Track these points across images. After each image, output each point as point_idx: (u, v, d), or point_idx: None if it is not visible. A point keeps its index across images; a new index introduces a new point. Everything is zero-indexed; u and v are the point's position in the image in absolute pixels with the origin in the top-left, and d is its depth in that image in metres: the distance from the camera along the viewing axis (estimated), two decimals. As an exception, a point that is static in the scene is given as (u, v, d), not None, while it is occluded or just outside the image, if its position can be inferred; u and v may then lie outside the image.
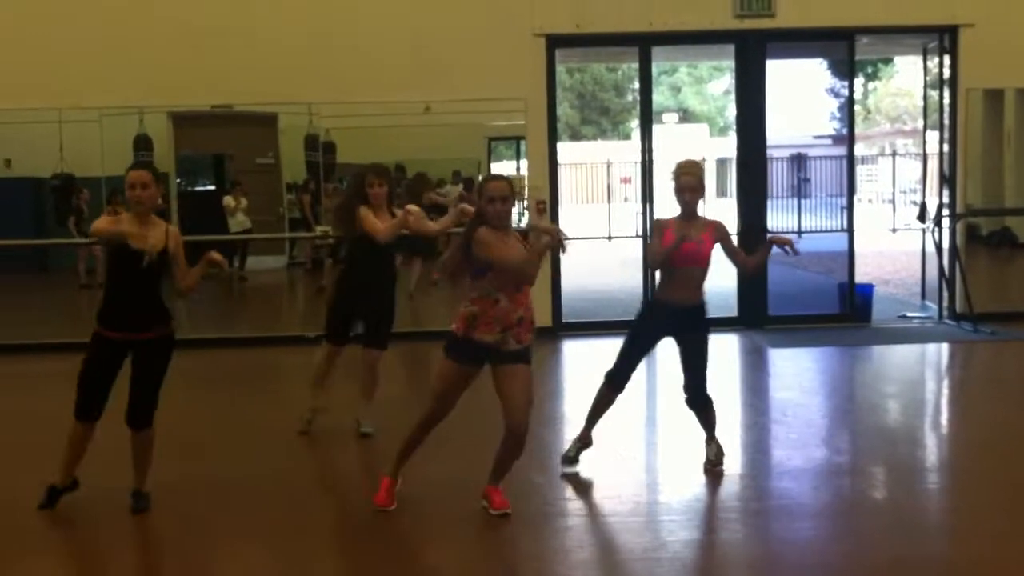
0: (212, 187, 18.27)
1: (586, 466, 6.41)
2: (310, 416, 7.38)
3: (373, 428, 7.21)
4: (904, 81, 40.68)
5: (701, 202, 6.29)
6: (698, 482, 6.21)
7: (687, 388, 6.30)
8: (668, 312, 6.21)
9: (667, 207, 11.87)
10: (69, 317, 13.54)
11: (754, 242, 11.65)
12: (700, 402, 6.31)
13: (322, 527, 5.66)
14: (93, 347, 5.60)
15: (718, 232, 6.23)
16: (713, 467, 6.30)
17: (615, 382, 6.37)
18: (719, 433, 6.42)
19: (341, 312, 7.25)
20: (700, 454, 6.48)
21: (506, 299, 5.29)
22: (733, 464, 6.44)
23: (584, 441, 6.43)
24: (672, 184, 6.25)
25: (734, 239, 6.59)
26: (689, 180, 6.17)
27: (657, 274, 6.38)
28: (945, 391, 9.68)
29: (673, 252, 6.05)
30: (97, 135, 11.87)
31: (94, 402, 5.58)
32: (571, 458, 6.40)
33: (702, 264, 6.20)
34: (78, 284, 14.26)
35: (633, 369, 6.35)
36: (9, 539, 5.48)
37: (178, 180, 16.52)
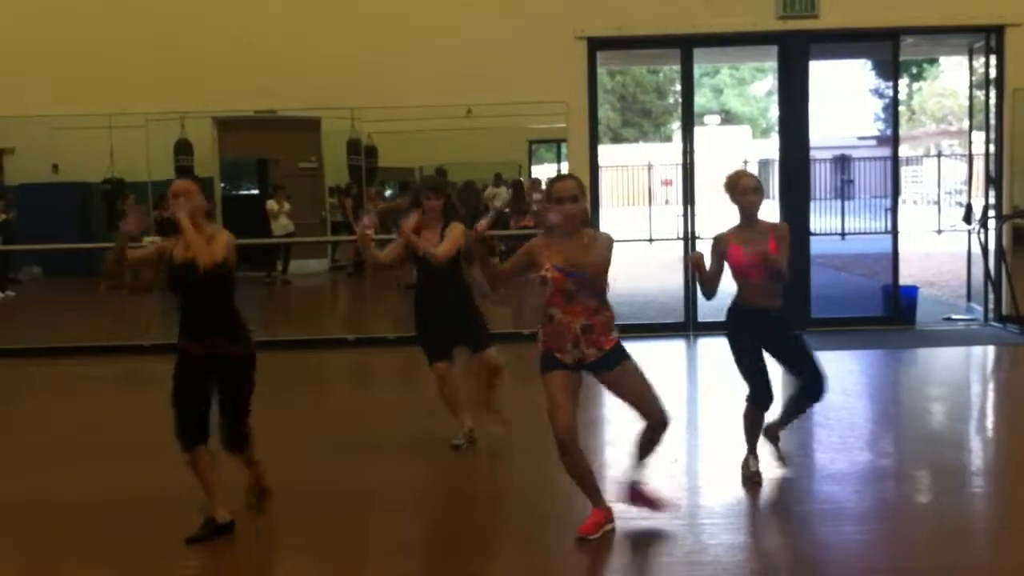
0: (256, 191, 18.45)
1: (625, 469, 6.40)
2: (465, 434, 7.06)
3: (462, 440, 6.98)
4: (949, 81, 40.23)
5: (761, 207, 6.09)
6: (740, 485, 6.18)
7: (805, 381, 6.20)
8: (752, 316, 6.05)
9: (707, 210, 11.84)
10: (116, 320, 13.73)
11: (797, 244, 11.59)
12: (815, 388, 6.17)
13: (369, 536, 5.70)
14: (176, 365, 5.43)
15: (778, 235, 6.03)
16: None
17: (758, 401, 6.18)
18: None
19: (426, 332, 7.02)
20: (742, 456, 6.46)
21: (559, 311, 5.15)
22: (776, 467, 6.40)
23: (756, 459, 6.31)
24: (728, 194, 6.03)
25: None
26: (750, 181, 6.00)
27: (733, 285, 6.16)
28: (991, 394, 9.58)
29: (714, 276, 6.02)
30: (143, 140, 12.02)
31: (189, 427, 5.37)
32: (755, 474, 6.24)
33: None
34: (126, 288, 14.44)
35: (765, 380, 6.12)
36: (64, 542, 5.56)
37: (222, 184, 16.68)
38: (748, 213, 6.02)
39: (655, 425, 5.37)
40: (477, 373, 7.16)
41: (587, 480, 5.36)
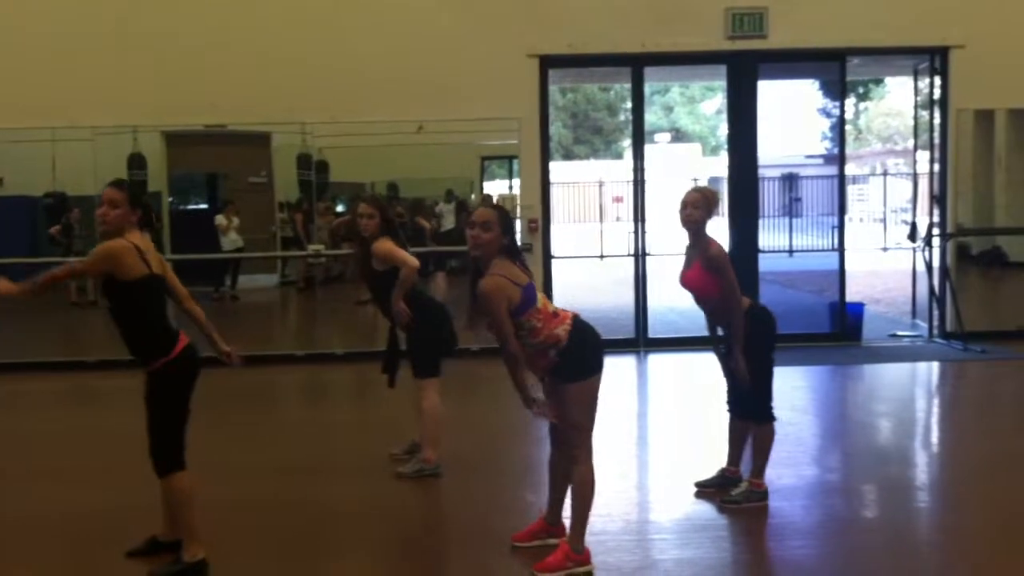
0: (205, 206, 18.29)
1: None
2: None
3: (412, 470, 6.76)
4: (895, 101, 40.91)
5: (710, 225, 6.00)
6: (689, 501, 6.22)
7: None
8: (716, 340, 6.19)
9: (658, 227, 11.92)
10: (60, 336, 13.53)
11: (746, 261, 11.69)
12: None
13: (316, 559, 5.66)
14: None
15: (706, 261, 5.91)
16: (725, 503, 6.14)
17: (730, 409, 6.31)
18: (717, 454, 6.42)
19: (387, 348, 6.95)
20: (691, 472, 6.49)
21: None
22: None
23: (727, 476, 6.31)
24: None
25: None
26: (690, 195, 5.92)
27: None
28: (936, 410, 9.70)
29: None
30: (90, 154, 11.87)
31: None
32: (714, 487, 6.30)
33: (702, 294, 5.98)
34: (69, 302, 14.25)
35: (729, 391, 6.29)
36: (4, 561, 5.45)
37: (171, 199, 16.52)
38: (684, 228, 5.98)
39: (562, 447, 5.21)
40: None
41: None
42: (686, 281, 6.01)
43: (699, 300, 6.05)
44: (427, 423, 6.74)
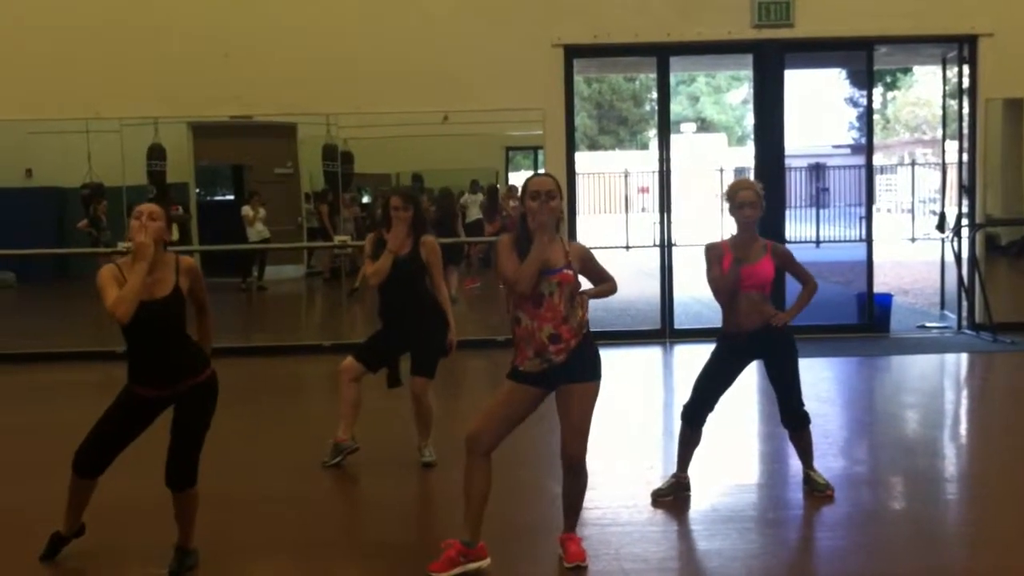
0: (231, 197, 18.39)
1: (603, 476, 6.40)
2: (339, 454, 6.92)
3: (435, 456, 6.85)
4: (923, 91, 40.58)
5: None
6: (715, 492, 6.21)
7: (779, 408, 6.11)
8: (745, 339, 5.91)
9: (683, 217, 11.82)
10: (91, 326, 13.62)
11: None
12: (791, 422, 6.09)
13: (349, 553, 5.67)
14: (121, 399, 5.14)
15: (776, 256, 6.03)
16: (824, 491, 6.08)
17: (692, 420, 6.07)
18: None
19: (381, 339, 6.92)
20: (716, 463, 6.48)
21: (527, 317, 4.89)
22: (751, 474, 6.43)
23: (681, 482, 6.13)
24: (727, 203, 6.02)
25: None
26: (747, 195, 5.92)
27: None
28: (964, 401, 9.64)
29: (736, 281, 5.85)
30: (118, 146, 11.94)
31: (100, 461, 5.09)
32: (663, 492, 6.10)
33: (765, 288, 5.95)
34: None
35: (711, 404, 6.04)
36: (16, 555, 5.45)
37: (197, 190, 16.61)
38: (743, 227, 5.95)
39: (564, 465, 5.07)
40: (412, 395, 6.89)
41: (472, 503, 4.94)
42: (762, 272, 5.92)
43: (754, 291, 5.91)
44: (431, 417, 6.88)
